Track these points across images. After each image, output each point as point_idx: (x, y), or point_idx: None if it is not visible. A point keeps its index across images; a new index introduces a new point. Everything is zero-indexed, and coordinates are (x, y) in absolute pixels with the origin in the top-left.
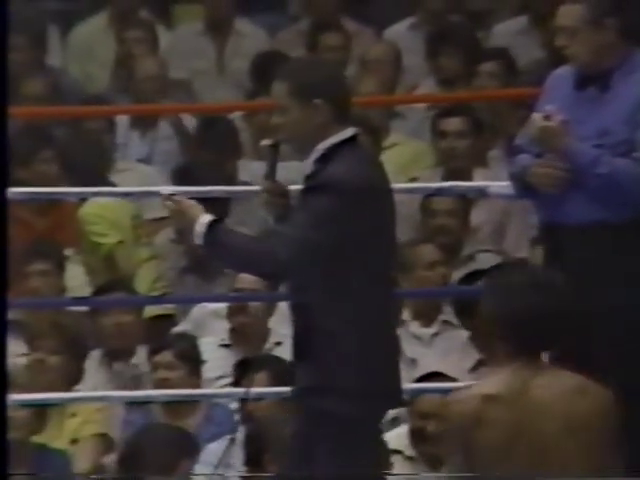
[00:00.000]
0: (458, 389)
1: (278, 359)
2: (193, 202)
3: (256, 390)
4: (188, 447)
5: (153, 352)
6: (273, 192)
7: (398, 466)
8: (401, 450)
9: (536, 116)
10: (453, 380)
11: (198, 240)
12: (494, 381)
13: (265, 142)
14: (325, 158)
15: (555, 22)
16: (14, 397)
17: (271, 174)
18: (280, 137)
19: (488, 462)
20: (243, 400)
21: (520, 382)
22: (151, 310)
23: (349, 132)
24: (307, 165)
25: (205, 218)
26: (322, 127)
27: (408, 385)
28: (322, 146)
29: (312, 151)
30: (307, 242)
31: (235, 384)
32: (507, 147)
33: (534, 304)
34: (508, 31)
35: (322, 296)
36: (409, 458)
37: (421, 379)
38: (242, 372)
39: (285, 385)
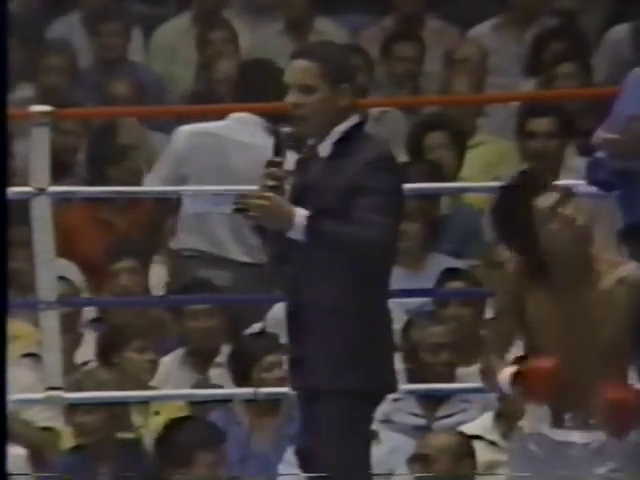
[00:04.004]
0: None
1: None
2: (282, 198)
3: (264, 390)
4: (206, 439)
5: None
6: (271, 177)
7: (480, 452)
8: (481, 435)
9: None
10: None
11: (297, 233)
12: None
13: (278, 127)
14: (343, 140)
15: None
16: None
17: (277, 159)
18: (297, 117)
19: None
20: (251, 401)
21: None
22: None
23: (359, 117)
24: (324, 147)
25: (302, 211)
26: (343, 111)
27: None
28: (340, 129)
29: (326, 134)
30: (386, 226)
31: None
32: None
33: None
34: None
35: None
36: (491, 443)
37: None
38: None
39: None
